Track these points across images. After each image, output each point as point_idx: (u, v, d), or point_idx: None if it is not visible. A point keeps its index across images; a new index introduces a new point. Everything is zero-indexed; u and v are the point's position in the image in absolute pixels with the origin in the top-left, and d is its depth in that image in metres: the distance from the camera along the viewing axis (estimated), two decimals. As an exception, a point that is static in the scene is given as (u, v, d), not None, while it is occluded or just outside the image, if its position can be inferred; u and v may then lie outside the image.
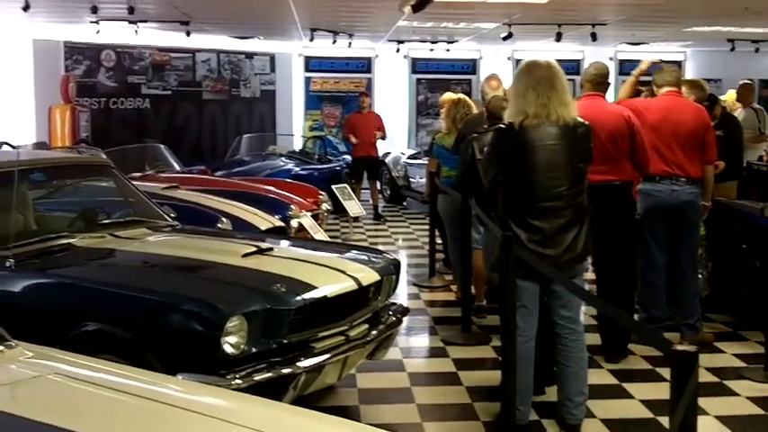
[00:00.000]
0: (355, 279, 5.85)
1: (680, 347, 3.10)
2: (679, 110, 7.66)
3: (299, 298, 5.40)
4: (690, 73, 20.33)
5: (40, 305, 5.57)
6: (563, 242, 5.67)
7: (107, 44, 17.34)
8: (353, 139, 15.56)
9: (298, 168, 15.79)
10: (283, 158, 16.58)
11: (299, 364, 5.31)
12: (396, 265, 6.55)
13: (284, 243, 7.19)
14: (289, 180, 13.23)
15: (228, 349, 5.03)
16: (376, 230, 14.75)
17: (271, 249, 6.21)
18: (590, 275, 8.24)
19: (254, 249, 6.07)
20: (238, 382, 4.96)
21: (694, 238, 7.91)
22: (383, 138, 16.17)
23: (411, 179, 16.96)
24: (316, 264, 6.06)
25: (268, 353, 5.25)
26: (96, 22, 14.33)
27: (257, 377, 5.08)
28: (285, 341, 5.34)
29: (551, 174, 5.65)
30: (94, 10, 12.19)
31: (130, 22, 14.41)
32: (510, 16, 13.92)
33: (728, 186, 10.40)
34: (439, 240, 10.77)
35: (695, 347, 3.19)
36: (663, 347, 3.28)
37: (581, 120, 5.82)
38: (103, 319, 5.28)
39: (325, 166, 16.58)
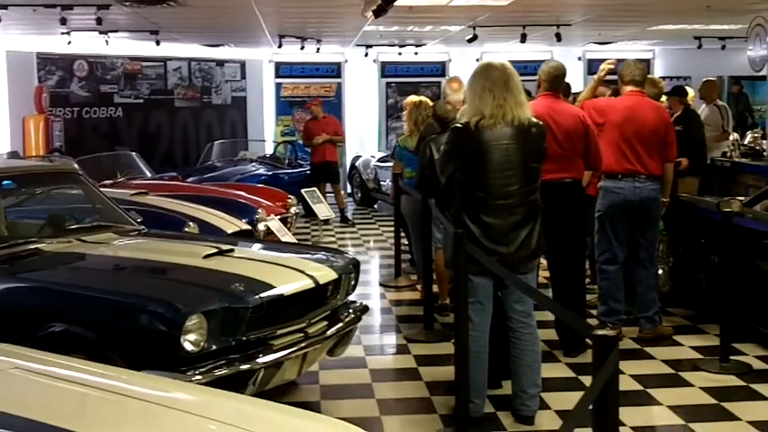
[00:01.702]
0: (313, 278, 6.03)
1: (600, 332, 3.26)
2: (642, 109, 7.84)
3: (256, 296, 5.58)
4: (658, 71, 20.48)
5: (9, 307, 5.73)
6: (516, 239, 5.83)
7: (79, 54, 17.38)
8: (320, 139, 15.59)
9: (268, 173, 15.94)
10: (254, 163, 16.71)
11: (257, 360, 5.50)
12: (354, 264, 6.72)
13: (246, 245, 7.35)
14: (259, 184, 13.36)
15: (188, 347, 5.21)
16: (346, 233, 14.89)
17: (231, 251, 6.37)
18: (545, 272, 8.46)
19: (214, 251, 6.24)
20: (198, 378, 5.13)
21: (654, 233, 8.10)
22: (341, 142, 16.30)
23: (381, 182, 17.06)
24: (274, 264, 6.24)
25: (227, 350, 5.44)
26: (68, 33, 14.40)
27: (217, 373, 5.26)
28: (244, 338, 5.52)
29: (505, 172, 5.80)
30: (63, 21, 12.27)
31: (101, 33, 14.49)
32: (474, 18, 14.05)
33: (690, 182, 10.61)
34: (405, 241, 10.91)
35: (616, 332, 3.37)
36: (586, 331, 3.46)
37: (536, 120, 5.98)
38: (69, 319, 5.45)
39: (296, 170, 16.68)
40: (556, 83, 7.60)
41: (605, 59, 8.44)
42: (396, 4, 9.98)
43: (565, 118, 7.34)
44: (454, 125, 6.18)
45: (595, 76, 8.27)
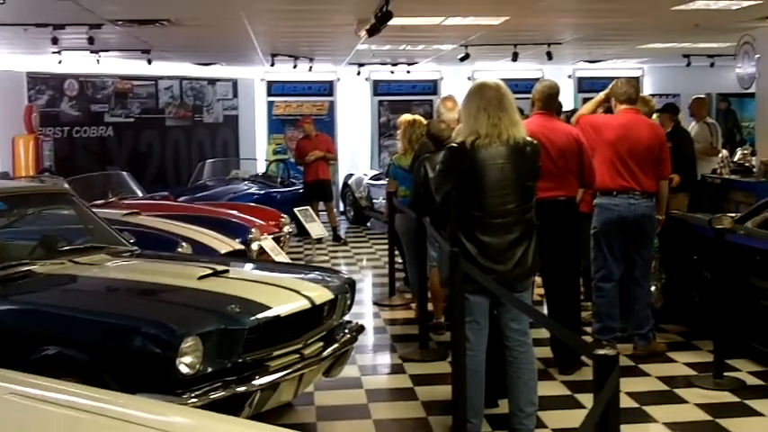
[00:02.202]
0: (309, 298, 6.01)
1: (600, 352, 3.26)
2: (636, 127, 7.90)
3: (252, 318, 5.56)
4: (647, 88, 20.56)
5: (2, 330, 5.69)
6: (512, 258, 5.82)
7: (69, 74, 17.33)
8: (312, 156, 15.55)
9: (260, 192, 15.93)
10: (246, 182, 16.68)
11: (254, 382, 5.47)
12: (350, 283, 6.70)
13: (240, 265, 7.33)
14: (251, 204, 13.34)
15: (184, 369, 5.18)
16: (338, 252, 14.86)
17: (226, 271, 6.35)
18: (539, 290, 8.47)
19: (209, 272, 6.22)
20: (194, 401, 5.10)
21: (650, 250, 8.14)
22: (334, 159, 16.33)
23: (374, 200, 17.05)
24: (270, 284, 6.22)
25: (223, 372, 5.41)
26: (58, 53, 14.40)
27: (213, 396, 5.23)
28: (240, 360, 5.50)
29: (501, 191, 5.80)
30: (55, 41, 12.28)
31: (92, 52, 14.48)
32: (466, 37, 14.10)
33: (680, 198, 10.63)
34: (399, 260, 10.89)
35: (616, 351, 3.37)
36: (586, 351, 3.45)
37: (530, 139, 5.99)
38: (63, 342, 5.42)
39: (288, 189, 16.66)
40: (550, 101, 7.64)
41: (596, 77, 8.51)
42: (389, 23, 10.00)
43: (558, 136, 7.38)
44: (449, 144, 6.19)
45: (602, 93, 8.25)
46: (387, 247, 11.24)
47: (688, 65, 18.52)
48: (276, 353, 5.75)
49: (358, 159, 20.71)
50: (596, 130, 7.83)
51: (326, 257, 14.14)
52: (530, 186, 5.96)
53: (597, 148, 7.73)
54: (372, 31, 10.79)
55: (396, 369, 8.01)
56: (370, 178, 17.70)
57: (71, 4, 9.92)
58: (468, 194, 5.84)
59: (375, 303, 10.67)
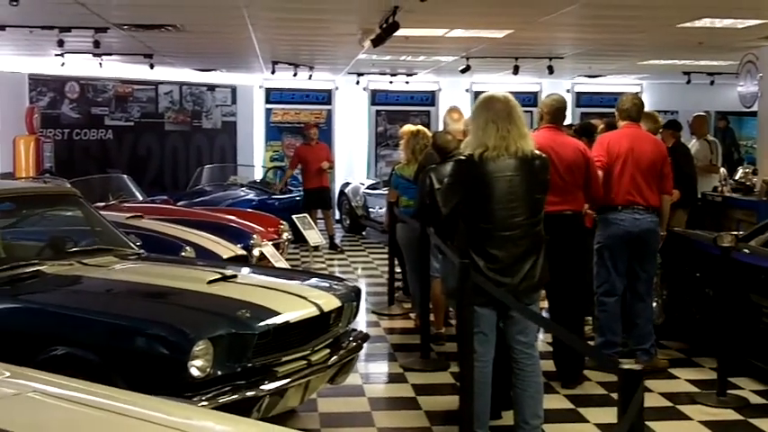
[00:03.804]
0: (317, 305, 6.03)
1: (626, 366, 3.27)
2: (640, 142, 7.98)
3: (262, 323, 5.58)
4: (646, 105, 20.52)
5: (10, 330, 5.70)
6: (520, 271, 5.83)
7: (71, 76, 17.34)
8: (326, 164, 15.65)
9: (258, 198, 15.96)
10: (244, 188, 16.74)
11: (262, 387, 5.49)
12: (356, 292, 6.74)
13: (248, 270, 7.33)
14: (250, 210, 13.35)
15: (195, 372, 5.20)
16: (335, 259, 14.89)
17: (235, 276, 6.39)
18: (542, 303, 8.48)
19: (218, 276, 6.25)
20: (204, 404, 5.10)
21: (653, 265, 8.17)
22: (331, 168, 16.41)
23: (370, 209, 17.10)
24: (279, 290, 6.24)
25: (233, 376, 5.43)
26: (61, 55, 14.39)
27: (222, 399, 5.24)
28: (249, 365, 5.52)
29: (510, 204, 5.81)
30: (60, 43, 12.29)
31: (95, 55, 14.49)
32: (468, 50, 14.14)
33: (678, 214, 10.67)
34: (398, 269, 10.89)
35: (641, 366, 3.38)
36: (610, 367, 3.47)
37: (538, 152, 6.00)
38: (72, 343, 5.44)
39: (286, 196, 16.70)
40: (557, 115, 7.67)
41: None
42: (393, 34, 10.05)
43: (566, 150, 7.40)
44: (458, 157, 6.20)
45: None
46: (382, 255, 11.25)
47: (688, 82, 18.51)
48: (284, 358, 5.78)
49: (355, 168, 20.72)
50: (599, 147, 7.92)
51: (323, 265, 14.15)
52: (539, 199, 5.97)
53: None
54: (378, 42, 10.81)
55: (397, 378, 8.01)
56: (367, 187, 17.74)
57: (79, 7, 9.94)
58: (477, 207, 5.85)
59: (373, 312, 10.67)
